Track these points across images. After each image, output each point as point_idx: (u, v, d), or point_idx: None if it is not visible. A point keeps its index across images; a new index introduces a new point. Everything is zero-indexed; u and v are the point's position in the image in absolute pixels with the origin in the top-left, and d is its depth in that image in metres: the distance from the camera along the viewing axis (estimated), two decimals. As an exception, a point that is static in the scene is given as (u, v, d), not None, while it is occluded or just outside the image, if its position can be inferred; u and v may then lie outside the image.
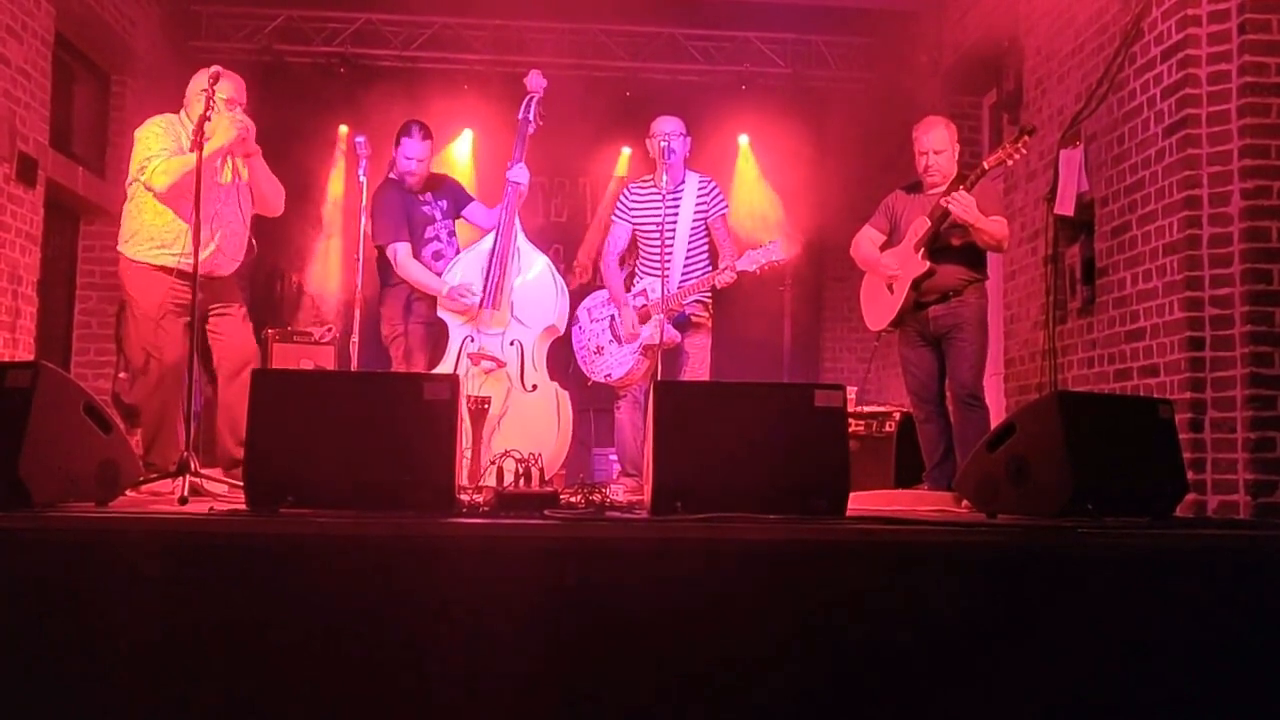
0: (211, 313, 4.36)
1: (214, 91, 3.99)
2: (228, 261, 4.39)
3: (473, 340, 4.72)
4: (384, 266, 5.02)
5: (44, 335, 6.02)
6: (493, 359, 4.64)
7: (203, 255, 4.19)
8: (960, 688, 2.61)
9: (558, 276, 4.90)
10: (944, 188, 4.57)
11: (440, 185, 5.12)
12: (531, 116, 4.97)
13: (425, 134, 5.02)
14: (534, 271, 4.84)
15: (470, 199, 5.16)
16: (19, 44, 5.58)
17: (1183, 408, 4.14)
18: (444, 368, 4.70)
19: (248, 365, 4.24)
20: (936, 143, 4.66)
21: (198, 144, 3.79)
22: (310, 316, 7.40)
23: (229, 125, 4.14)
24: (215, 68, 4.16)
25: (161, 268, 4.20)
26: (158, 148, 4.19)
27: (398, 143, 5.00)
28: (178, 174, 4.06)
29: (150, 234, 4.23)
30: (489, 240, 4.88)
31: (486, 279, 4.74)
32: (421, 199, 5.00)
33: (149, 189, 4.17)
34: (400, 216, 4.89)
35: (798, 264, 6.77)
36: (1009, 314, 6.10)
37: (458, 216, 5.14)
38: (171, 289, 4.17)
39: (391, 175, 5.04)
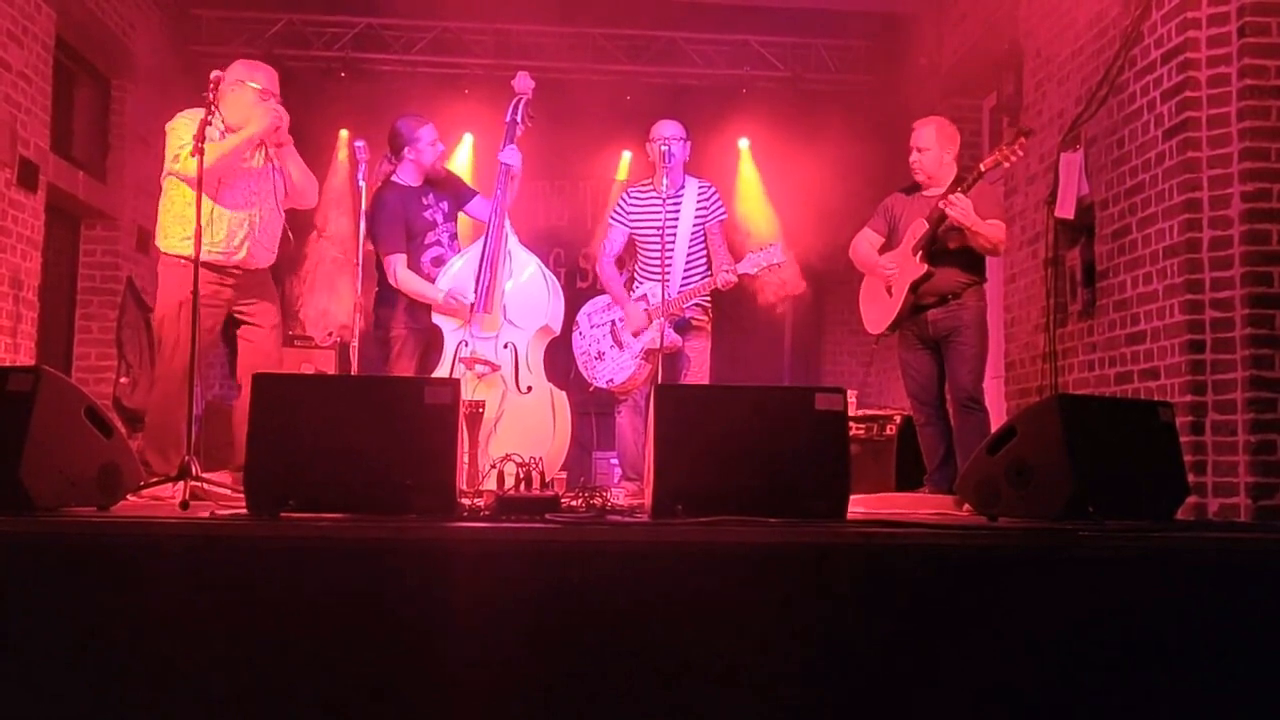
0: (242, 313, 4.39)
1: (213, 98, 4.02)
2: (263, 252, 4.40)
3: (466, 345, 4.70)
4: (383, 269, 5.00)
5: (45, 340, 6.02)
6: (486, 363, 4.63)
7: (233, 244, 4.27)
8: (962, 690, 2.60)
9: (550, 277, 4.86)
10: (941, 190, 4.58)
11: (442, 184, 5.08)
12: (519, 118, 4.90)
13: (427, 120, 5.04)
14: (526, 273, 4.81)
15: (472, 194, 5.10)
16: (20, 49, 5.59)
17: (1183, 410, 4.14)
18: (439, 373, 4.69)
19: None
20: (921, 140, 4.72)
21: (199, 149, 3.80)
22: (308, 323, 7.40)
23: (263, 114, 4.24)
24: (242, 73, 4.28)
25: (189, 258, 4.21)
26: (188, 137, 4.19)
27: (411, 139, 4.92)
28: (212, 158, 4.07)
29: (181, 224, 4.25)
30: (480, 243, 4.85)
31: (477, 282, 4.73)
32: (424, 201, 4.93)
33: (184, 177, 4.19)
34: (399, 226, 4.84)
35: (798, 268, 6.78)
36: (1009, 317, 6.10)
37: (460, 211, 5.11)
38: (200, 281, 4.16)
39: (395, 179, 4.97)
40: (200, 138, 3.81)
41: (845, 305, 7.80)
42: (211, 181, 4.10)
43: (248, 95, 4.29)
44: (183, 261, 4.24)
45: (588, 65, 7.66)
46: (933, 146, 4.69)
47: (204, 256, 4.09)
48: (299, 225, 7.37)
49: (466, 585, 2.58)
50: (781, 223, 7.39)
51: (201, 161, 3.79)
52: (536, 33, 7.56)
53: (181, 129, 4.24)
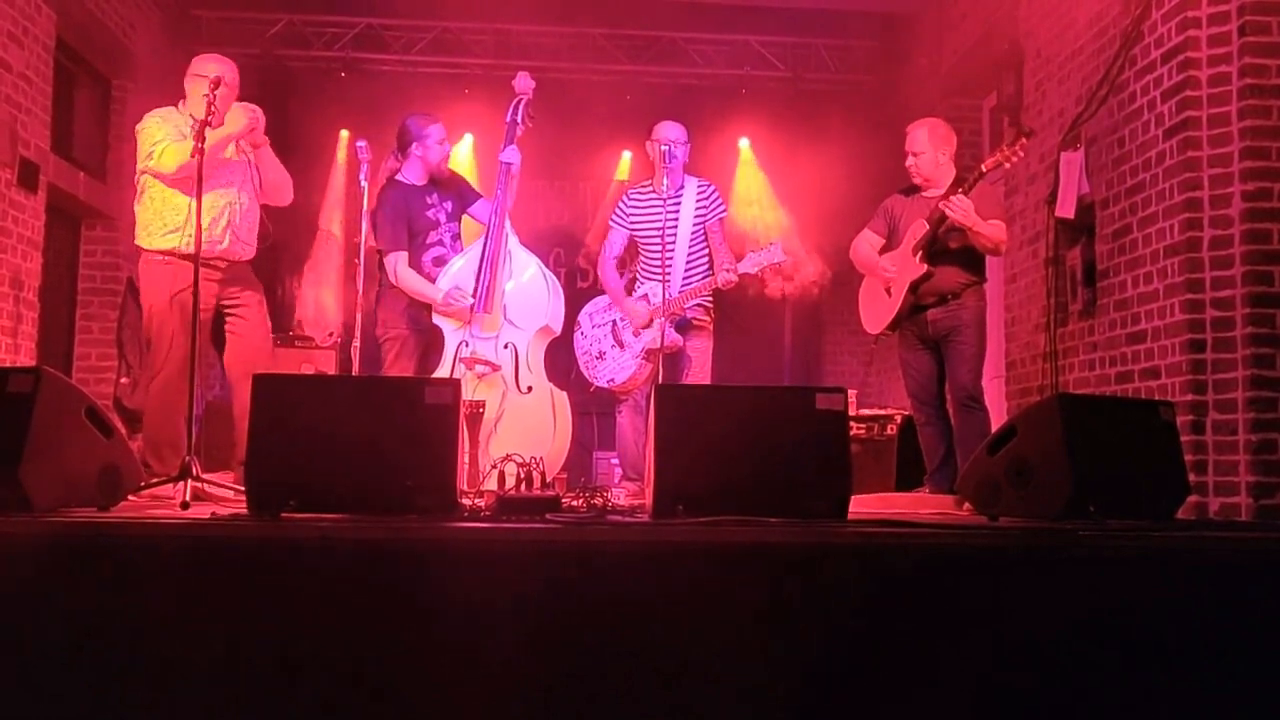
0: (229, 306, 4.42)
1: (215, 97, 4.03)
2: (244, 243, 4.44)
3: (466, 345, 4.70)
4: (384, 267, 4.99)
5: (45, 340, 6.03)
6: (486, 363, 4.62)
7: (215, 232, 4.29)
8: (962, 690, 2.60)
9: (550, 277, 4.86)
10: (940, 191, 4.58)
11: (447, 184, 5.06)
12: (520, 119, 4.89)
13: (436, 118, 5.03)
14: (526, 273, 4.80)
15: (477, 196, 5.08)
16: (20, 49, 5.59)
17: (1184, 410, 4.14)
18: (439, 374, 4.69)
19: (259, 369, 4.23)
20: (914, 144, 4.73)
21: (199, 149, 3.80)
22: (309, 323, 7.40)
23: (240, 114, 4.29)
24: (214, 69, 4.22)
25: (172, 251, 4.24)
26: (160, 135, 4.27)
27: (419, 136, 4.89)
28: (186, 156, 4.09)
29: (162, 220, 4.29)
30: (480, 243, 4.84)
31: (478, 282, 4.72)
32: (428, 200, 4.91)
33: (158, 174, 4.23)
34: (401, 224, 4.83)
35: (797, 267, 6.79)
36: (1010, 316, 6.10)
37: (464, 213, 5.10)
38: (183, 274, 4.15)
39: (399, 177, 4.94)
40: (200, 137, 3.82)
41: (845, 305, 7.77)
42: (188, 175, 4.11)
43: (202, 87, 4.27)
44: (164, 258, 4.28)
45: (588, 65, 7.67)
46: (926, 149, 4.69)
47: (187, 250, 4.11)
48: (303, 225, 7.44)
49: (467, 585, 2.57)
50: (782, 223, 7.39)
51: (201, 162, 3.81)
52: (536, 33, 7.57)
53: (153, 128, 4.30)
